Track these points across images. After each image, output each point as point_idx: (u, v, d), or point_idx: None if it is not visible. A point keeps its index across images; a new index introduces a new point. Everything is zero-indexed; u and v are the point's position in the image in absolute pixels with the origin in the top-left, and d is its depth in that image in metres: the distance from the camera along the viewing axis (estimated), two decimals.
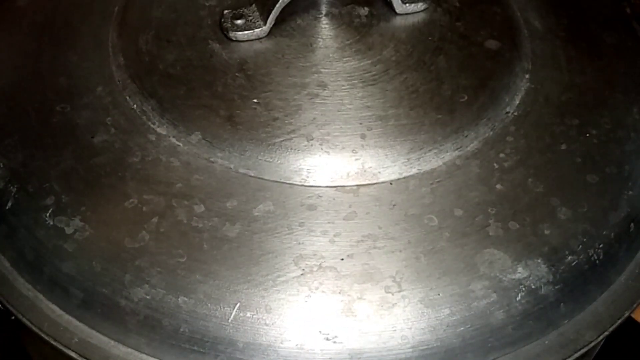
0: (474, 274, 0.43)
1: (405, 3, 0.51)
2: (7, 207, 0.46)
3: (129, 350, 0.43)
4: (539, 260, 0.44)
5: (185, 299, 0.42)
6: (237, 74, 0.48)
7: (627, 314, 0.46)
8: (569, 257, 0.44)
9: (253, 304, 0.42)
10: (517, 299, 0.43)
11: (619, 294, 0.47)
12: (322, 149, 0.45)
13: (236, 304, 0.42)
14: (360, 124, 0.46)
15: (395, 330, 0.42)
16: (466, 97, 0.48)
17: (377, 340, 0.41)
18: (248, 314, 0.42)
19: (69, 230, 0.44)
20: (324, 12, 0.51)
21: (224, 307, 0.42)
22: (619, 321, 0.46)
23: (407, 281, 0.42)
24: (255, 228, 0.43)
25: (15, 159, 0.47)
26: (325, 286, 0.42)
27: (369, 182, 0.45)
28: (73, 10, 0.53)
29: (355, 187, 0.45)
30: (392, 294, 0.42)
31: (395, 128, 0.46)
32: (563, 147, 0.48)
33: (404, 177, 0.45)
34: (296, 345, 0.41)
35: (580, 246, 0.45)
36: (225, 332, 0.42)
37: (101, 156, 0.46)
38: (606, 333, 0.45)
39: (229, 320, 0.42)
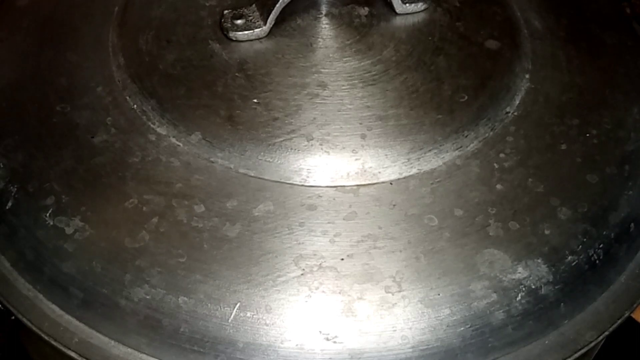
0: (474, 274, 0.43)
1: (405, 3, 0.51)
2: (7, 207, 0.46)
3: (129, 350, 0.43)
4: (539, 260, 0.44)
5: (185, 299, 0.42)
6: (237, 74, 0.48)
7: (627, 314, 0.46)
8: (569, 257, 0.44)
9: (253, 304, 0.42)
10: (517, 299, 0.43)
11: (619, 294, 0.47)
12: (322, 149, 0.45)
13: (236, 304, 0.42)
14: (360, 124, 0.46)
15: (395, 330, 0.42)
16: (466, 97, 0.48)
17: (377, 340, 0.41)
18: (248, 314, 0.42)
19: (69, 230, 0.44)
20: (324, 12, 0.51)
21: (224, 307, 0.42)
22: (619, 321, 0.46)
23: (407, 281, 0.42)
24: (256, 228, 0.43)
25: (15, 159, 0.47)
26: (325, 286, 0.42)
27: (369, 182, 0.45)
28: (73, 10, 0.53)
29: (355, 187, 0.45)
30: (392, 294, 0.42)
31: (395, 128, 0.46)
32: (563, 147, 0.48)
33: (404, 177, 0.45)
34: (296, 345, 0.41)
35: (580, 246, 0.45)
36: (225, 332, 0.42)
37: (101, 156, 0.46)
38: (606, 333, 0.46)
39: (229, 320, 0.42)
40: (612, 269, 0.47)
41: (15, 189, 0.46)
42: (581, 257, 0.45)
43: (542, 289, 0.43)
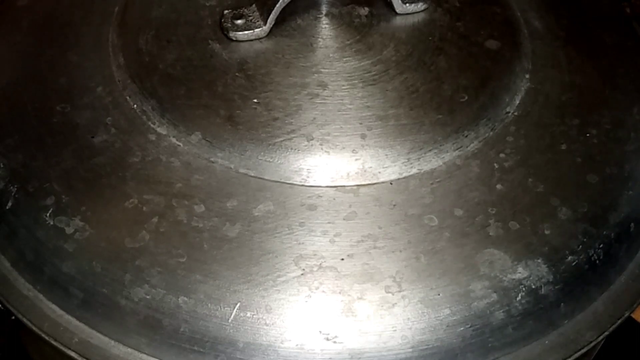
0: (474, 274, 0.43)
1: (405, 3, 0.51)
2: (7, 207, 0.46)
3: (129, 350, 0.43)
4: (539, 260, 0.44)
5: (185, 299, 0.42)
6: (237, 74, 0.48)
7: (627, 314, 0.46)
8: (569, 257, 0.44)
9: (253, 304, 0.42)
10: (517, 299, 0.43)
11: (619, 294, 0.47)
12: (322, 149, 0.45)
13: (236, 304, 0.42)
14: (360, 124, 0.46)
15: (395, 330, 0.42)
16: (466, 97, 0.48)
17: (377, 340, 0.41)
18: (248, 314, 0.42)
19: (69, 230, 0.44)
20: (324, 12, 0.51)
21: (224, 307, 0.42)
22: (619, 321, 0.46)
23: (407, 281, 0.42)
24: (256, 228, 0.43)
25: (15, 159, 0.47)
26: (325, 286, 0.42)
27: (369, 182, 0.45)
28: (73, 10, 0.53)
29: (355, 187, 0.45)
30: (392, 294, 0.42)
31: (395, 128, 0.46)
32: (563, 147, 0.48)
33: (404, 177, 0.45)
34: (296, 345, 0.41)
35: (580, 246, 0.45)
36: (225, 332, 0.42)
37: (101, 156, 0.46)
38: (606, 333, 0.46)
39: (229, 320, 0.42)
40: (612, 269, 0.47)
41: (15, 189, 0.46)
42: (581, 257, 0.45)
43: (542, 289, 0.43)
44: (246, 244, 0.43)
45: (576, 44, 0.54)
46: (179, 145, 0.46)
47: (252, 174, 0.45)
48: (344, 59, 0.49)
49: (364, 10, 0.51)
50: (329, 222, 0.44)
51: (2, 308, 0.46)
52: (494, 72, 0.50)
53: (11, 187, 0.46)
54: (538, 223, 0.45)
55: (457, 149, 0.47)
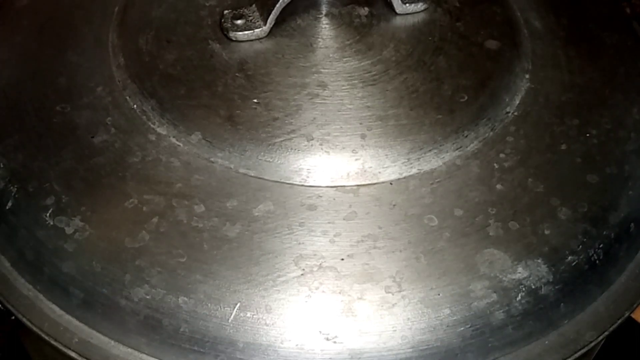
0: (474, 274, 0.43)
1: (405, 3, 0.51)
2: (7, 207, 0.46)
3: (129, 350, 0.43)
4: (539, 260, 0.44)
5: (185, 299, 0.42)
6: (237, 74, 0.48)
7: (627, 314, 0.46)
8: (569, 257, 0.44)
9: (253, 304, 0.42)
10: (517, 299, 0.43)
11: (619, 294, 0.47)
12: (322, 149, 0.45)
13: (236, 304, 0.42)
14: (360, 124, 0.46)
15: (395, 330, 0.42)
16: (466, 97, 0.48)
17: (377, 340, 0.41)
18: (248, 314, 0.42)
19: (69, 230, 0.44)
20: (324, 12, 0.51)
21: (224, 307, 0.42)
22: (619, 321, 0.46)
23: (407, 281, 0.42)
24: (256, 228, 0.43)
25: (15, 159, 0.47)
26: (325, 286, 0.42)
27: (369, 182, 0.45)
28: (73, 10, 0.54)
29: (355, 187, 0.45)
30: (392, 294, 0.42)
31: (395, 128, 0.46)
32: (563, 147, 0.48)
33: (404, 177, 0.45)
34: (296, 345, 0.41)
35: (580, 246, 0.45)
36: (225, 332, 0.42)
37: (101, 156, 0.46)
38: (606, 333, 0.46)
39: (229, 320, 0.42)
40: (612, 269, 0.47)
41: (15, 189, 0.46)
42: (581, 257, 0.45)
43: (542, 289, 0.43)
44: (246, 244, 0.43)
45: (576, 44, 0.54)
46: (179, 145, 0.46)
47: (252, 174, 0.45)
48: (344, 59, 0.49)
49: (364, 11, 0.51)
50: (329, 222, 0.44)
51: (2, 308, 0.46)
52: (494, 72, 0.50)
53: (11, 187, 0.46)
54: (538, 223, 0.45)
55: (457, 149, 0.47)
